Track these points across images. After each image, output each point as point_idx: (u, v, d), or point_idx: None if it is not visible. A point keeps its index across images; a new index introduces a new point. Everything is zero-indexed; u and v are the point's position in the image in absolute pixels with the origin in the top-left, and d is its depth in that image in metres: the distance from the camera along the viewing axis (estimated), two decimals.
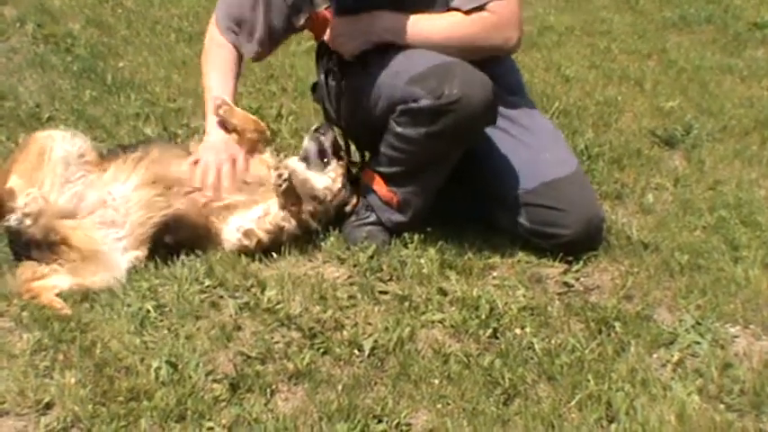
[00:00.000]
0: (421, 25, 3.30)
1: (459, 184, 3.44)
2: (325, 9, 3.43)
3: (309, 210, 3.37)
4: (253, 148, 3.41)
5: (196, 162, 3.32)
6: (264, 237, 3.28)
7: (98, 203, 3.19)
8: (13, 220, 3.06)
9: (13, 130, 4.27)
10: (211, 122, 3.43)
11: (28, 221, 3.06)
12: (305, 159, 3.51)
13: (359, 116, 3.40)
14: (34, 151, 3.22)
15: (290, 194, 3.28)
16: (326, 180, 3.46)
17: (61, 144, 3.24)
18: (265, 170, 3.39)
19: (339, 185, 3.47)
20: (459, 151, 3.28)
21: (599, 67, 5.53)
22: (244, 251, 3.28)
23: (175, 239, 3.24)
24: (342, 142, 3.59)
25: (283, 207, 3.28)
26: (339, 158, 3.52)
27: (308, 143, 3.54)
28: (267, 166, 3.40)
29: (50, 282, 3.04)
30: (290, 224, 3.30)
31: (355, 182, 3.52)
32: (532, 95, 4.51)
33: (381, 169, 3.36)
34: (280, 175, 3.25)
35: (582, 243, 3.35)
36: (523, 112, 3.53)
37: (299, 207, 3.32)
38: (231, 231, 3.30)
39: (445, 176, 3.36)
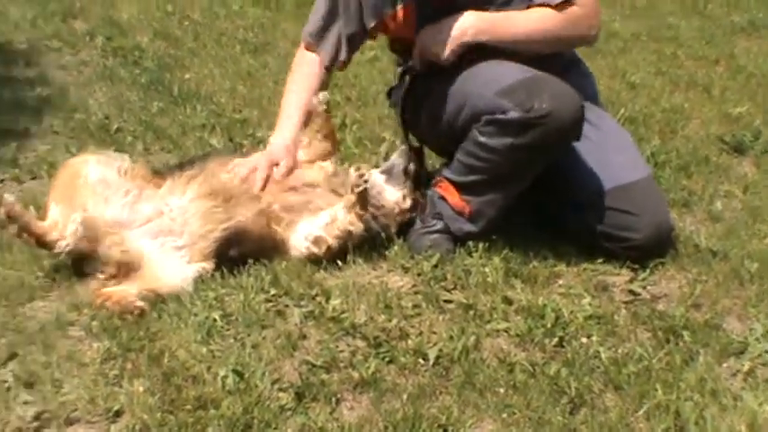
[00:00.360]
0: (513, 22, 3.32)
1: (529, 187, 3.43)
2: (402, 8, 3.41)
3: (374, 216, 3.39)
4: (316, 159, 3.44)
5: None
6: (334, 243, 3.28)
7: (154, 214, 3.22)
8: (63, 246, 3.10)
9: (84, 141, 4.33)
10: (277, 136, 3.47)
11: (81, 244, 3.10)
12: (386, 172, 3.52)
13: (438, 123, 3.39)
14: (70, 177, 3.26)
15: (364, 199, 3.28)
16: (399, 196, 3.47)
17: (96, 167, 3.27)
18: (318, 174, 3.43)
19: (408, 205, 3.47)
20: (542, 165, 3.26)
21: (665, 73, 5.47)
22: (312, 259, 3.29)
23: (240, 252, 3.25)
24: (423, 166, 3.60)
25: (350, 210, 3.28)
26: (417, 183, 3.52)
27: (396, 159, 3.56)
28: (326, 173, 3.43)
29: (120, 287, 3.06)
30: (358, 227, 3.30)
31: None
32: None
33: (455, 178, 3.34)
34: (361, 176, 3.25)
35: (651, 248, 3.32)
36: (596, 115, 3.51)
37: (366, 212, 3.32)
38: (299, 239, 3.31)
39: (522, 189, 3.33)
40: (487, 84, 3.21)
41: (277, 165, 3.37)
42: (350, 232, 3.28)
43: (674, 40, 6.13)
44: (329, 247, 3.28)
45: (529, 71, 3.21)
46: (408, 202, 3.48)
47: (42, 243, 3.10)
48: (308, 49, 3.58)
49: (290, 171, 3.39)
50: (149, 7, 6.51)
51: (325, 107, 3.49)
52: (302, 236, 3.31)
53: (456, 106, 3.30)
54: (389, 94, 3.81)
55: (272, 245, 3.31)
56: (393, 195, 3.47)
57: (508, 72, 3.21)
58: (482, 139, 3.19)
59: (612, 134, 3.51)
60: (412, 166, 3.52)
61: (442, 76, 3.39)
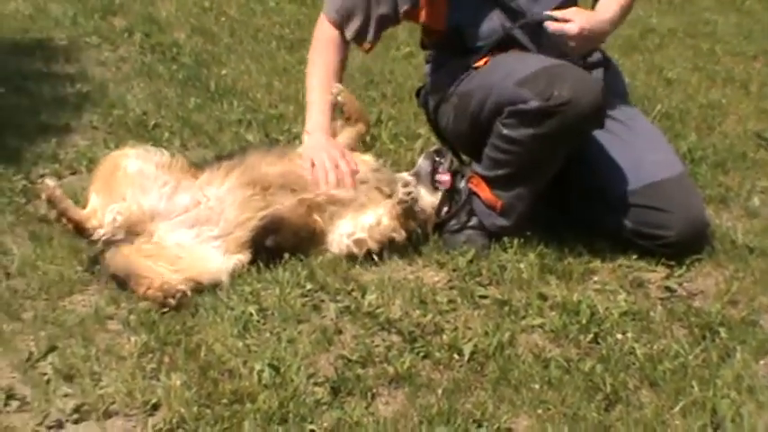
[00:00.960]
0: (611, 12, 3.36)
1: (561, 186, 3.42)
2: None
3: (412, 224, 3.39)
4: (353, 144, 3.45)
5: (312, 165, 3.36)
6: (374, 246, 3.29)
7: (191, 204, 3.25)
8: (101, 234, 3.15)
9: (122, 137, 4.36)
10: (313, 122, 3.49)
11: (118, 234, 3.14)
12: (416, 175, 3.50)
13: (466, 119, 3.39)
14: (109, 169, 3.31)
15: (409, 212, 3.30)
16: (434, 201, 3.46)
17: (135, 160, 3.31)
18: (361, 167, 3.43)
19: (444, 210, 3.46)
20: (564, 154, 3.25)
21: (702, 69, 5.43)
22: (348, 257, 3.30)
23: (276, 242, 3.26)
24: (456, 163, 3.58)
25: (396, 219, 3.29)
26: (451, 184, 3.49)
27: (422, 162, 3.54)
28: (368, 167, 3.43)
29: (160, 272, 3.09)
30: (401, 235, 3.31)
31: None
32: (634, 99, 4.46)
33: (485, 173, 3.34)
34: (408, 192, 3.27)
35: (685, 245, 3.30)
36: (629, 115, 3.52)
37: (410, 222, 3.34)
38: (340, 237, 3.32)
39: (549, 180, 3.33)
40: (509, 75, 3.20)
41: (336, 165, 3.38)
42: (392, 239, 3.31)
43: (712, 35, 6.08)
44: (369, 250, 3.29)
45: (549, 60, 3.20)
46: (444, 207, 3.47)
47: (80, 230, 3.18)
48: (331, 24, 3.57)
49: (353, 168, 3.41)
50: (187, 4, 6.53)
51: (342, 97, 3.50)
52: (344, 233, 3.31)
53: (479, 100, 3.30)
54: (418, 93, 3.81)
55: (309, 236, 3.31)
56: (427, 201, 3.46)
57: (529, 63, 3.21)
58: (505, 131, 3.19)
59: (645, 133, 3.50)
60: (443, 167, 3.49)
61: (466, 73, 3.40)
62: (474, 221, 3.38)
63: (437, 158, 3.50)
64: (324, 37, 3.59)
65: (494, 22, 3.35)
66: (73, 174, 4.02)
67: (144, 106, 4.75)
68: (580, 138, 3.23)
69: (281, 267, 3.20)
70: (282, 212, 3.28)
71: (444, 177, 3.46)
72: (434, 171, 3.49)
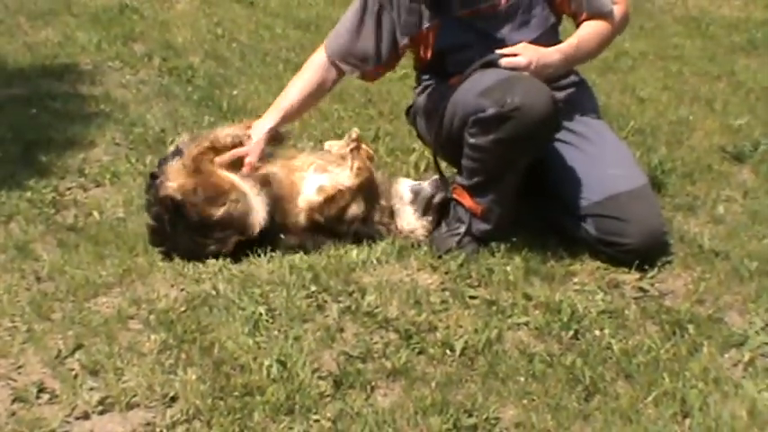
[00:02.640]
0: (584, 49, 3.40)
1: (538, 196, 3.42)
2: (428, 29, 3.42)
3: (378, 220, 3.49)
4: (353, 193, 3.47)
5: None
6: (332, 193, 3.38)
7: None
8: None
9: (142, 152, 4.35)
10: (264, 118, 3.54)
11: None
12: (414, 192, 3.52)
13: (444, 133, 3.38)
14: None
15: (357, 152, 3.45)
16: (415, 225, 3.48)
17: None
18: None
19: (420, 236, 3.47)
20: (526, 157, 3.24)
21: (671, 88, 5.41)
22: (314, 214, 3.39)
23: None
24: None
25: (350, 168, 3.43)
26: (437, 214, 3.48)
27: (426, 185, 3.53)
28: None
29: None
30: (356, 201, 3.42)
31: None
32: (609, 116, 4.47)
33: (465, 182, 3.34)
34: (352, 137, 3.43)
35: (644, 252, 3.28)
36: (596, 130, 3.52)
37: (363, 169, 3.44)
38: (308, 189, 3.43)
39: (517, 183, 3.32)
40: (471, 89, 3.20)
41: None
42: (344, 190, 3.40)
43: (680, 58, 6.06)
44: (328, 198, 3.37)
45: (506, 74, 3.19)
46: (421, 234, 3.47)
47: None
48: (330, 60, 3.54)
49: (250, 165, 3.43)
50: (201, 31, 6.51)
51: (354, 144, 3.49)
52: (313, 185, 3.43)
53: (451, 114, 3.30)
54: (408, 112, 3.80)
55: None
56: (409, 222, 3.48)
57: (489, 76, 3.19)
58: (471, 140, 3.19)
59: (609, 148, 3.48)
60: (439, 197, 3.48)
61: (440, 92, 3.41)
62: (463, 228, 3.36)
63: (438, 191, 3.48)
64: (313, 61, 3.58)
65: (472, 51, 3.33)
66: (97, 186, 4.01)
67: (162, 124, 4.74)
68: (537, 141, 3.20)
69: (288, 271, 3.20)
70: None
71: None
72: (430, 199, 3.48)
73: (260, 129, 3.48)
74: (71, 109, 4.99)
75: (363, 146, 3.53)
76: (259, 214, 3.29)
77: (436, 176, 3.52)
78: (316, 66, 3.56)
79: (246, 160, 3.42)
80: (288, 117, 3.56)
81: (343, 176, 3.44)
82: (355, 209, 3.42)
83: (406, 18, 3.42)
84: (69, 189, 3.96)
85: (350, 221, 3.42)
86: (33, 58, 5.85)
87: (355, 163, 3.44)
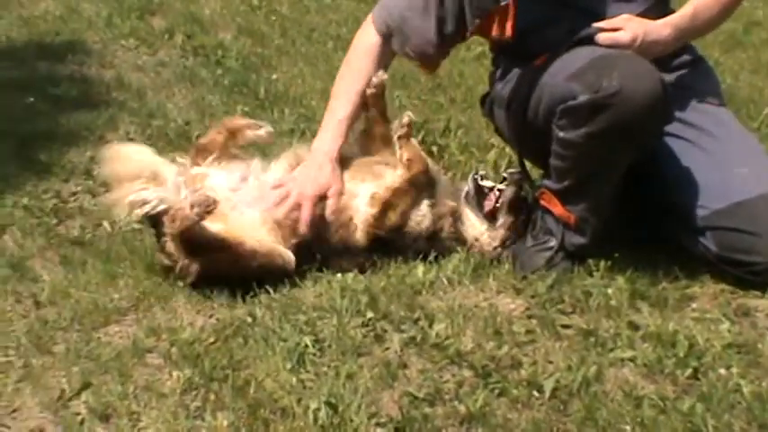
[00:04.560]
0: (701, 18, 3.40)
1: (640, 204, 3.40)
2: (507, 4, 3.39)
3: (447, 231, 3.51)
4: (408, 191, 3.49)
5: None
6: (387, 196, 3.40)
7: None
8: None
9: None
10: (321, 142, 3.52)
11: None
12: (476, 188, 3.54)
13: (527, 125, 3.39)
14: None
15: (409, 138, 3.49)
16: (479, 230, 3.50)
17: None
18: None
19: (492, 247, 3.49)
20: (627, 155, 3.23)
21: None
22: (374, 226, 3.41)
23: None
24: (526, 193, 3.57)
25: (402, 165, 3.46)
26: (514, 217, 3.50)
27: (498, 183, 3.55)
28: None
29: None
30: (405, 203, 3.44)
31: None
32: (736, 102, 4.43)
33: (554, 186, 3.33)
34: (405, 123, 3.47)
35: None
36: (715, 121, 3.49)
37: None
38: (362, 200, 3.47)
39: (617, 187, 3.31)
40: (560, 71, 3.20)
41: (324, 197, 3.43)
42: (399, 189, 3.43)
43: None
44: (385, 204, 3.39)
45: (601, 50, 3.19)
46: (488, 243, 3.49)
47: None
48: (380, 35, 3.57)
49: (339, 197, 3.44)
50: (233, 2, 6.60)
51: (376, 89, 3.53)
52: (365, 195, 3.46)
53: (535, 102, 3.30)
54: (483, 101, 3.81)
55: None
56: (472, 226, 3.51)
57: (581, 54, 3.20)
58: (561, 134, 3.18)
59: (733, 143, 3.44)
60: (510, 193, 3.50)
61: (523, 76, 3.42)
62: (554, 242, 3.36)
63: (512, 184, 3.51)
64: (364, 45, 3.61)
65: (563, 29, 3.33)
66: (108, 191, 4.07)
67: (186, 115, 4.80)
68: (641, 134, 3.17)
69: (339, 294, 3.22)
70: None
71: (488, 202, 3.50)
72: (499, 193, 3.50)
73: (324, 154, 3.49)
74: (76, 96, 5.08)
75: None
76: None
77: (513, 170, 3.53)
78: (367, 50, 3.59)
79: (331, 194, 3.45)
80: (350, 127, 3.58)
81: (394, 176, 3.47)
82: (419, 215, 3.43)
83: None
84: (74, 194, 4.03)
85: (415, 231, 3.44)
86: (30, 35, 5.97)
87: (405, 154, 3.47)
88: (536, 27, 3.40)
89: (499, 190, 3.50)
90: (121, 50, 5.84)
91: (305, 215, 3.40)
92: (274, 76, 5.35)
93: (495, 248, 3.48)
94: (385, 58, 3.59)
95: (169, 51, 5.83)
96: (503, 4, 3.38)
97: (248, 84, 5.21)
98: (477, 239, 3.49)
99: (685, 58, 3.56)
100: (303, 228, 3.39)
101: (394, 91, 4.89)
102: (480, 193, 3.52)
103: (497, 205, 3.48)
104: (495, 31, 3.48)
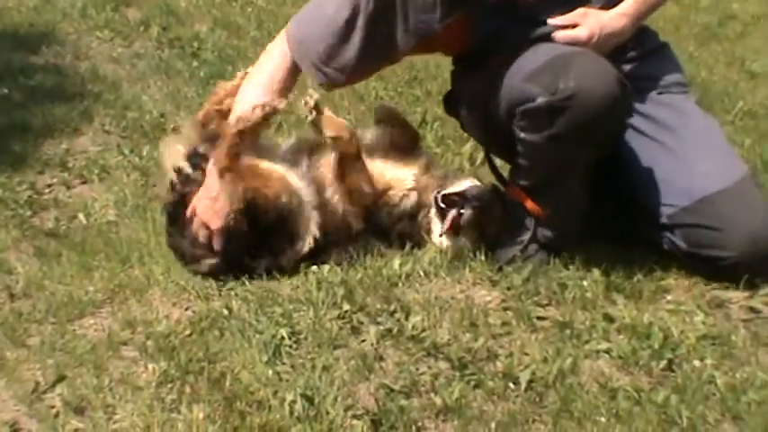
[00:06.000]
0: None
1: (616, 198, 3.42)
2: (453, 23, 3.32)
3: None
4: (353, 163, 3.44)
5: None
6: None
7: None
8: None
9: (137, 141, 4.40)
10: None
11: None
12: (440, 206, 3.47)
13: (490, 125, 3.38)
14: None
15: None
16: (442, 245, 3.47)
17: None
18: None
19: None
20: (591, 153, 3.23)
21: None
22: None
23: None
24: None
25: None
26: (481, 231, 3.46)
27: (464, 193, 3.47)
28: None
29: None
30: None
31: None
32: (711, 94, 4.45)
33: (521, 182, 3.34)
34: (306, 103, 3.36)
35: (747, 266, 3.24)
36: (677, 113, 3.47)
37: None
38: None
39: (585, 183, 3.31)
40: (517, 71, 3.18)
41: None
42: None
43: None
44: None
45: (558, 49, 3.17)
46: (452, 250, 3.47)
47: None
48: (295, 61, 3.40)
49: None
50: None
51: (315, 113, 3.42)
52: None
53: (495, 102, 3.28)
54: (446, 100, 3.79)
55: None
56: (436, 240, 3.49)
57: (538, 54, 3.18)
58: (522, 135, 3.18)
59: (695, 136, 3.42)
60: (467, 216, 3.41)
61: (483, 75, 3.38)
62: (527, 235, 3.36)
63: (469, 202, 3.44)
64: (281, 50, 3.44)
65: (519, 27, 3.31)
66: (83, 183, 4.08)
67: (161, 107, 4.79)
68: (602, 134, 3.16)
69: (316, 286, 3.22)
70: None
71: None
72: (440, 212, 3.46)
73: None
74: (50, 88, 5.06)
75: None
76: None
77: (470, 181, 3.49)
78: (279, 52, 3.45)
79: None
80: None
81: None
82: (404, 188, 3.46)
83: (419, 15, 3.27)
84: (49, 186, 4.02)
85: (399, 209, 3.47)
86: (4, 26, 5.94)
87: (327, 132, 3.40)
88: (493, 38, 3.38)
89: (460, 212, 3.40)
90: (96, 42, 5.82)
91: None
92: (250, 69, 5.33)
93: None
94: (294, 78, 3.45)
95: (144, 43, 5.81)
96: (446, 24, 3.28)
97: (224, 76, 5.18)
98: (441, 246, 3.48)
99: (644, 47, 3.54)
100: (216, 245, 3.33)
101: (370, 83, 4.89)
102: (441, 212, 3.45)
103: (460, 224, 3.42)
104: (445, 48, 3.49)
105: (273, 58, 3.44)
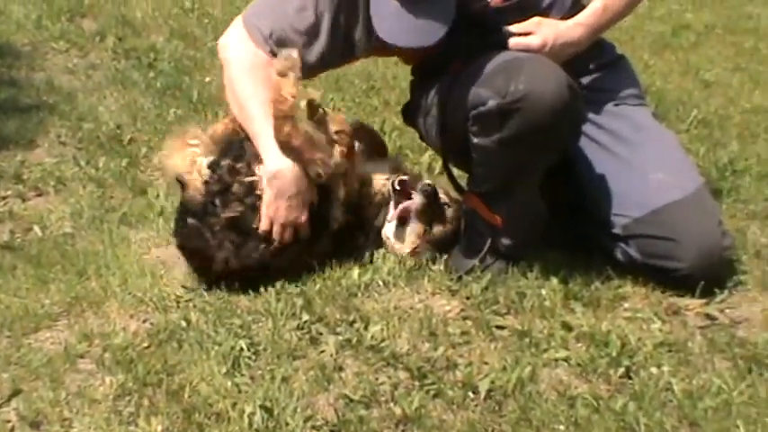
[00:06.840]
0: (610, 13, 3.40)
1: (573, 208, 3.43)
2: None
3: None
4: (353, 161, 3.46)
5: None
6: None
7: None
8: None
9: (93, 153, 4.38)
10: (271, 151, 3.29)
11: None
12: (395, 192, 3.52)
13: (445, 132, 3.39)
14: None
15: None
16: (390, 232, 3.51)
17: None
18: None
19: (402, 252, 3.49)
20: (544, 158, 3.23)
21: (744, 69, 5.44)
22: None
23: None
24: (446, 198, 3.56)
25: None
26: (426, 226, 3.49)
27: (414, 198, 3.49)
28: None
29: None
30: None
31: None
32: (666, 103, 4.49)
33: (477, 190, 3.34)
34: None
35: (699, 277, 3.24)
36: (632, 124, 3.49)
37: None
38: None
39: (537, 190, 3.32)
40: (472, 77, 3.18)
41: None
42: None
43: (754, 32, 6.09)
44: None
45: (511, 55, 3.19)
46: (402, 249, 3.49)
47: None
48: (257, 46, 3.45)
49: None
50: (165, 4, 6.57)
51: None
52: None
53: (452, 109, 3.30)
54: (405, 111, 3.80)
55: None
56: (386, 227, 3.52)
57: (492, 60, 3.19)
58: (475, 140, 3.18)
59: (649, 147, 3.44)
60: (414, 205, 3.47)
61: (440, 83, 3.41)
62: (485, 244, 3.36)
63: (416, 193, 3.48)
64: (250, 59, 3.46)
65: (475, 35, 3.32)
66: (39, 195, 4.05)
67: (118, 119, 4.77)
68: (555, 139, 3.16)
69: (274, 297, 3.22)
70: None
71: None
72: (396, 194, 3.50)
73: (281, 162, 3.31)
74: (5, 100, 5.03)
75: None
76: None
77: (427, 182, 3.51)
78: (252, 64, 3.46)
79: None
80: None
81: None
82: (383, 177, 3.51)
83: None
84: (4, 199, 4.00)
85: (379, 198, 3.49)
86: None
87: (332, 127, 3.40)
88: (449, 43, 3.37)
89: (411, 199, 3.46)
90: (52, 53, 5.79)
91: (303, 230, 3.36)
92: (207, 79, 5.33)
93: (407, 254, 3.47)
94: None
95: (100, 54, 5.79)
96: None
97: (181, 87, 5.19)
98: (387, 237, 3.50)
99: (601, 60, 3.57)
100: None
101: (328, 94, 4.90)
102: (396, 194, 3.49)
103: (410, 211, 3.45)
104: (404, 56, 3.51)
105: (249, 66, 3.48)
